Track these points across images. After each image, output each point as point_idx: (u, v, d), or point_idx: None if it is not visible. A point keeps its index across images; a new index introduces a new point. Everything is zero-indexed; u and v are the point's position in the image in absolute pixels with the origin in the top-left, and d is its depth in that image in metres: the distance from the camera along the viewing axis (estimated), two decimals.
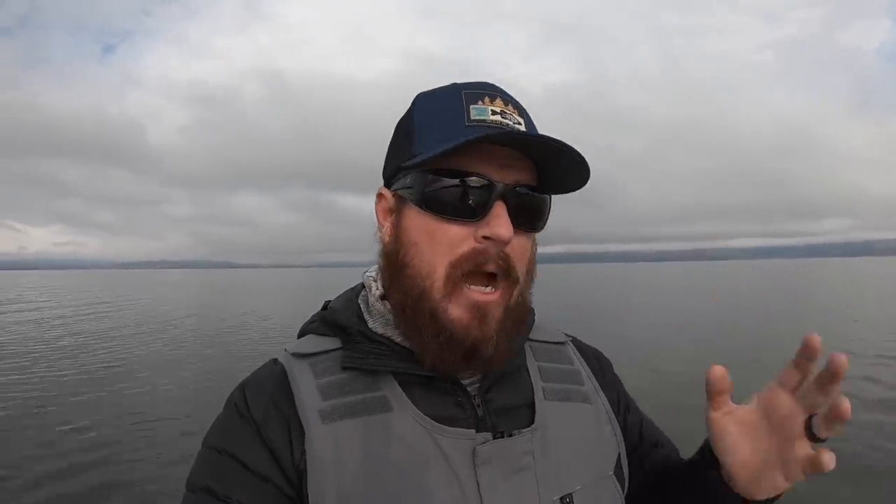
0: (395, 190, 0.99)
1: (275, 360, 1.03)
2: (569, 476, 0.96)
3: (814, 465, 0.80)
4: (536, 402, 1.02)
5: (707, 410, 0.91)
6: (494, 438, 0.93)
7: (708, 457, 0.96)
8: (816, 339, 0.79)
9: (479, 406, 0.97)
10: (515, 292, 0.96)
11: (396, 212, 0.99)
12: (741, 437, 0.89)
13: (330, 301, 1.12)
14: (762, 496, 0.91)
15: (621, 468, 1.05)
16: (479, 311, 0.91)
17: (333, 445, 0.88)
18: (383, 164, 1.05)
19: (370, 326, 1.00)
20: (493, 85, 0.99)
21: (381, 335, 0.99)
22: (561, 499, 0.94)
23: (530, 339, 1.12)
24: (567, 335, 1.22)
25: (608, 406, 1.11)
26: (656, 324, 23.37)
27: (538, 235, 1.02)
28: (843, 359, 0.76)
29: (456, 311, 0.91)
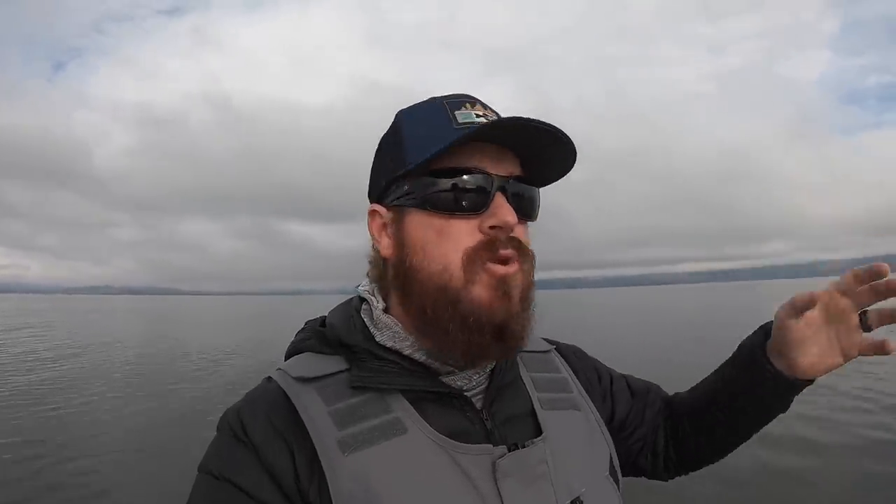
0: (390, 202, 1.01)
1: (269, 379, 1.00)
2: (575, 480, 0.99)
3: (877, 348, 1.03)
4: (537, 411, 1.05)
5: (780, 311, 1.07)
6: (510, 451, 0.94)
7: (754, 355, 1.13)
8: (884, 268, 0.99)
9: (487, 420, 0.98)
10: (528, 277, 0.98)
11: (396, 223, 1.01)
12: (805, 333, 1.06)
13: (324, 317, 1.11)
14: (818, 374, 1.09)
15: (614, 468, 1.10)
16: (502, 286, 0.92)
17: (359, 477, 0.85)
18: (369, 183, 1.09)
19: (378, 341, 0.99)
20: (469, 95, 1.04)
21: (389, 349, 0.98)
22: (571, 502, 0.97)
23: (521, 350, 1.08)
24: (548, 341, 1.27)
25: (595, 411, 1.16)
26: (605, 344, 23.74)
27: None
28: (885, 266, 0.97)
29: (479, 291, 0.92)
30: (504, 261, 0.93)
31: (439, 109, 1.00)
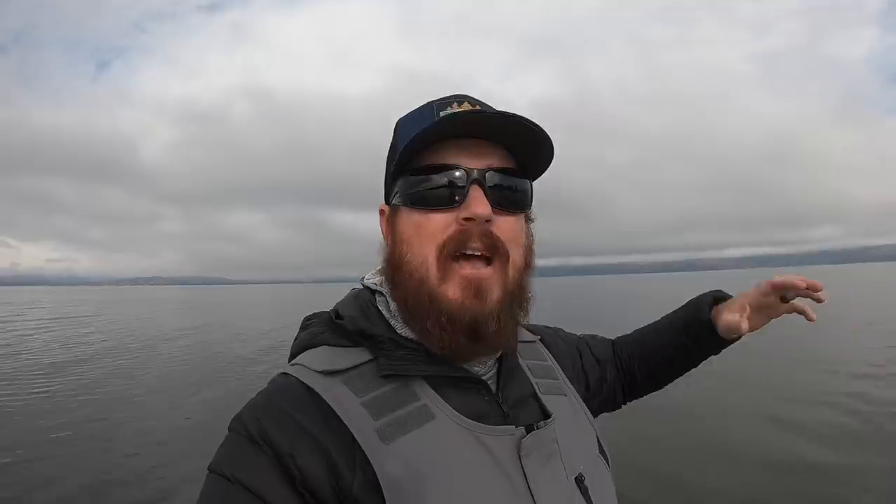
0: (390, 201, 1.09)
1: (285, 375, 1.01)
2: (576, 458, 1.06)
3: (795, 308, 1.35)
4: (539, 395, 1.13)
5: (742, 296, 1.41)
6: (528, 431, 1.01)
7: (700, 308, 1.46)
8: (808, 285, 1.30)
9: (502, 402, 1.05)
10: (512, 273, 1.02)
11: (392, 220, 1.07)
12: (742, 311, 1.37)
13: (331, 312, 1.12)
14: (752, 329, 1.38)
15: (602, 447, 1.18)
16: (472, 286, 0.97)
17: (403, 464, 0.89)
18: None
19: (399, 332, 1.04)
20: (464, 94, 1.09)
21: (409, 339, 1.03)
22: (576, 479, 1.04)
23: (506, 348, 1.14)
24: (531, 331, 1.34)
25: (578, 397, 1.25)
26: None
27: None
28: (801, 282, 1.30)
29: (451, 290, 0.97)
30: (472, 256, 0.98)
31: (427, 111, 1.06)
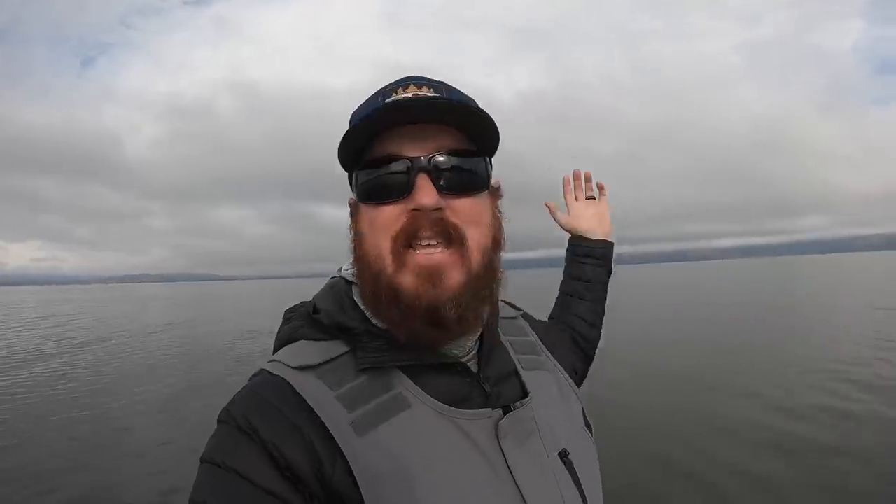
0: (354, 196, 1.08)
1: (269, 373, 1.01)
2: (559, 434, 1.08)
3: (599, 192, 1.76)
4: (520, 372, 1.14)
5: (558, 215, 1.74)
6: (505, 413, 1.02)
7: (582, 250, 1.67)
8: (577, 173, 1.77)
9: (484, 382, 1.05)
10: (475, 255, 0.99)
11: (355, 214, 1.07)
12: (582, 215, 1.72)
13: (307, 304, 1.15)
14: (609, 228, 1.71)
15: (586, 419, 1.21)
16: (428, 273, 0.95)
17: (378, 455, 0.90)
18: None
19: (374, 323, 1.03)
20: (414, 76, 1.06)
21: (384, 331, 1.02)
22: (559, 454, 1.05)
23: (465, 329, 1.10)
24: (513, 307, 1.36)
25: (562, 370, 1.25)
26: (646, 323, 23.68)
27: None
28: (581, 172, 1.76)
29: (406, 279, 0.96)
30: (426, 243, 0.96)
31: (374, 99, 1.05)
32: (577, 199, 1.73)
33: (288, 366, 1.00)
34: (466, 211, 1.00)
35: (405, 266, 0.96)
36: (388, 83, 1.07)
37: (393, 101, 0.98)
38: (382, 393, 0.96)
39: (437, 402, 0.97)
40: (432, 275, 0.95)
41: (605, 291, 1.67)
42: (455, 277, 0.96)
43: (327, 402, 0.94)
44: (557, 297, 1.67)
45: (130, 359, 18.77)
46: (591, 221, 1.69)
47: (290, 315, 1.15)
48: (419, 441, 0.92)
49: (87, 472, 8.01)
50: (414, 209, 0.96)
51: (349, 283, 1.10)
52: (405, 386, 0.98)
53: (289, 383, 0.97)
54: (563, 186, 1.75)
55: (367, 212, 1.01)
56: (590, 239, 1.67)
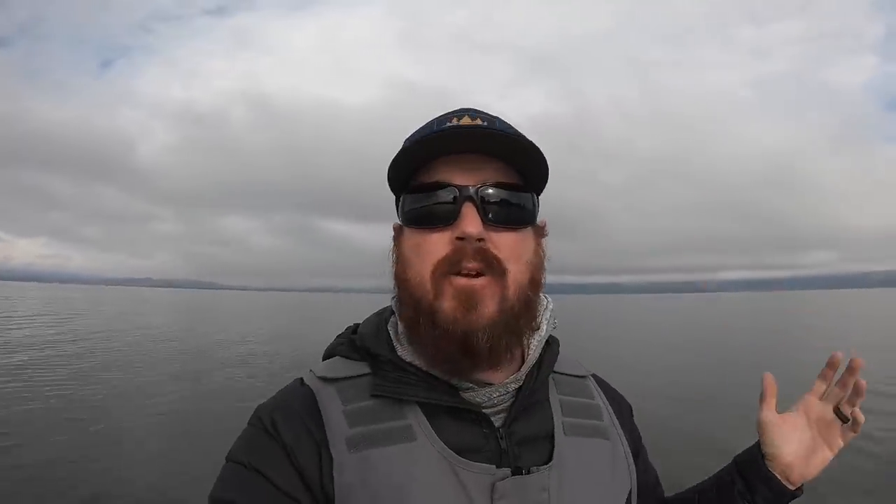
0: (399, 220, 1.09)
1: (301, 381, 1.07)
2: None
3: (851, 426, 1.15)
4: (556, 436, 1.06)
5: (759, 413, 1.20)
6: (513, 475, 0.97)
7: (752, 462, 1.20)
8: (838, 356, 1.18)
9: (502, 438, 1.01)
10: (511, 288, 0.99)
11: (397, 240, 1.09)
12: (789, 432, 1.18)
13: (358, 324, 1.17)
14: (813, 473, 1.17)
15: (632, 501, 1.12)
16: (465, 298, 0.96)
17: (360, 474, 0.92)
18: None
19: (399, 354, 1.05)
20: (470, 108, 1.07)
21: (409, 363, 1.03)
22: None
23: (554, 372, 1.16)
24: (586, 369, 1.26)
25: (625, 442, 1.16)
26: (653, 352, 23.73)
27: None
28: (860, 360, 1.14)
29: (445, 303, 0.96)
30: (468, 272, 0.97)
31: (428, 127, 1.05)
32: (821, 395, 1.21)
33: (316, 376, 1.06)
34: (509, 245, 1.00)
35: (444, 291, 0.97)
36: (443, 112, 1.07)
37: (447, 128, 0.99)
38: (391, 420, 0.98)
39: (444, 445, 0.96)
40: (469, 300, 0.96)
41: None
42: (490, 307, 0.96)
43: (335, 414, 0.98)
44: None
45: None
46: (801, 450, 1.18)
47: (342, 332, 1.18)
48: (411, 475, 0.93)
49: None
50: (458, 237, 0.97)
51: (394, 312, 1.11)
52: (418, 420, 0.98)
53: (313, 393, 1.02)
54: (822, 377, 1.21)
55: (412, 237, 1.03)
56: (775, 476, 1.17)
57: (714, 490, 1.24)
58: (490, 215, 0.99)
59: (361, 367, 1.06)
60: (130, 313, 51.06)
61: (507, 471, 0.97)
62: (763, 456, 1.18)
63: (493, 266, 0.98)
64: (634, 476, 1.14)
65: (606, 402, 1.21)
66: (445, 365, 1.00)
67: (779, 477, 1.16)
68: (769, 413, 1.19)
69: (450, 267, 0.97)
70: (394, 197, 1.11)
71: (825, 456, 1.18)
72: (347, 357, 1.10)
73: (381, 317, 1.15)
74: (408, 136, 1.09)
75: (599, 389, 1.24)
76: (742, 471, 1.21)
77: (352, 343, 1.11)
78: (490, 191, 1.00)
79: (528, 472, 0.98)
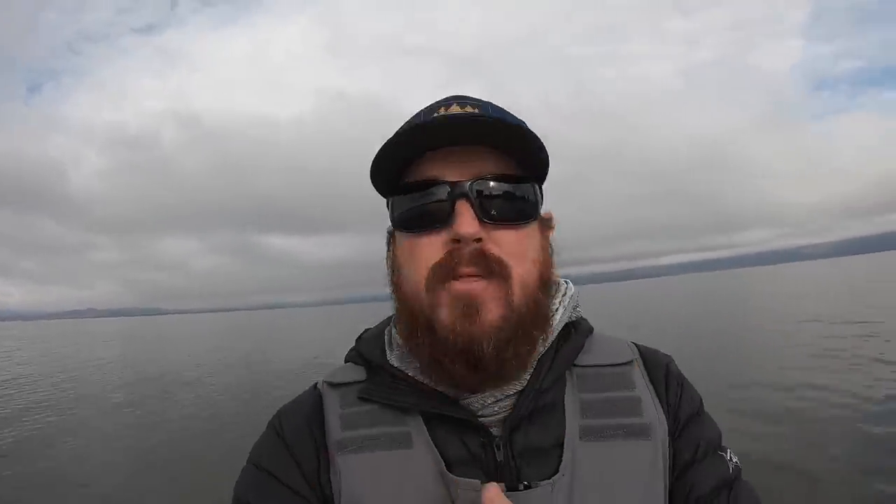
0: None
1: (314, 386, 1.09)
2: None
3: None
4: (567, 444, 0.94)
5: None
6: (509, 489, 0.88)
7: None
8: None
9: (499, 449, 0.93)
10: (517, 291, 0.90)
11: (391, 245, 1.03)
12: None
13: (368, 329, 1.15)
14: None
15: None
16: (464, 305, 0.88)
17: (348, 477, 0.92)
18: None
19: (388, 359, 1.02)
20: (458, 96, 1.00)
21: (397, 369, 1.00)
22: None
23: (576, 365, 1.02)
24: (635, 346, 1.09)
25: (667, 444, 0.98)
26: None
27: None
28: None
29: (443, 313, 0.89)
30: (464, 276, 0.90)
31: (415, 118, 0.98)
32: None
33: (324, 381, 1.07)
34: (511, 243, 0.92)
35: (441, 299, 0.89)
36: (431, 102, 1.00)
37: (433, 119, 0.90)
38: (387, 426, 0.96)
39: (438, 455, 0.92)
40: (469, 307, 0.88)
41: None
42: (494, 312, 0.88)
43: (332, 417, 1.00)
44: None
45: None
46: None
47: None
48: (401, 484, 0.90)
49: None
50: (453, 239, 0.90)
51: None
52: (417, 427, 0.95)
53: (321, 396, 1.05)
54: None
55: (405, 241, 0.96)
56: None
57: None
58: (489, 212, 0.91)
59: (360, 374, 1.05)
60: (78, 346, 49.26)
61: (500, 486, 0.85)
62: None
63: (493, 268, 0.89)
64: (666, 483, 0.96)
65: (653, 392, 1.02)
66: (450, 382, 0.93)
67: None
68: None
69: (446, 272, 0.89)
70: (381, 199, 1.03)
71: None
72: (354, 363, 1.09)
73: (386, 322, 1.12)
74: (397, 129, 0.98)
75: (647, 377, 1.04)
76: None
77: (355, 350, 1.11)
78: (487, 184, 0.92)
79: (529, 487, 0.89)
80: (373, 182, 0.98)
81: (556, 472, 0.90)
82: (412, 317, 0.93)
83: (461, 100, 0.97)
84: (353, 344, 1.13)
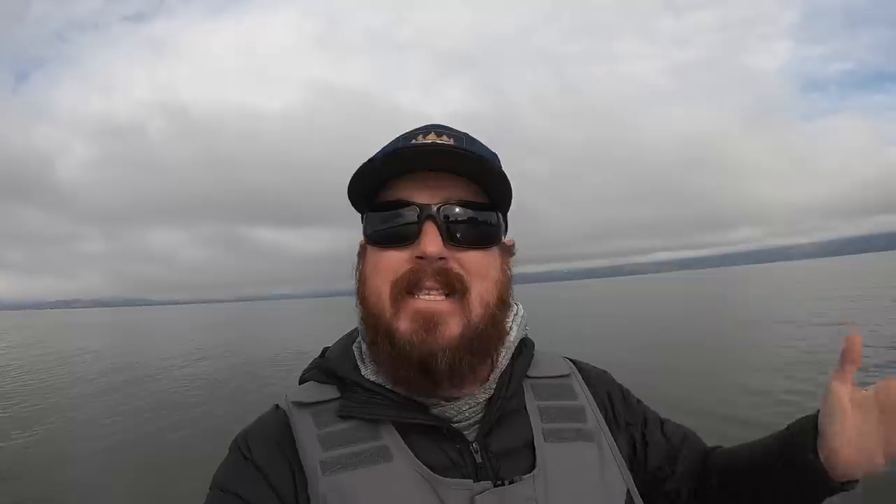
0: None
1: (276, 407, 1.08)
2: None
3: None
4: (536, 444, 1.04)
5: (831, 380, 1.01)
6: (495, 486, 0.96)
7: (800, 439, 1.05)
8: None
9: (476, 452, 1.00)
10: (476, 307, 0.98)
11: (360, 257, 1.09)
12: (854, 414, 0.99)
13: (328, 347, 1.18)
14: (858, 474, 1.00)
15: (632, 501, 1.07)
16: (424, 319, 0.96)
17: (337, 497, 0.92)
18: None
19: (363, 374, 1.06)
20: (437, 125, 1.07)
21: (373, 383, 1.04)
22: None
23: (528, 377, 1.13)
24: (570, 361, 1.24)
25: (614, 444, 1.11)
26: (587, 337, 24.03)
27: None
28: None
29: (403, 324, 0.97)
30: (427, 291, 0.98)
31: (393, 143, 1.06)
32: (854, 395, 1.01)
33: (290, 401, 1.06)
34: (473, 263, 1.00)
35: (402, 311, 0.97)
36: (410, 129, 1.08)
37: (411, 146, 0.99)
38: (366, 442, 0.97)
39: (420, 463, 0.96)
40: (428, 321, 0.96)
41: None
42: (452, 328, 0.96)
43: (309, 439, 0.98)
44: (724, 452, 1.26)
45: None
46: (866, 445, 0.99)
47: (315, 357, 1.18)
48: (387, 497, 0.92)
49: None
50: (418, 256, 0.97)
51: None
52: (394, 440, 0.98)
53: (287, 417, 1.04)
54: (843, 357, 1.02)
55: (373, 255, 1.03)
56: (832, 479, 1.02)
57: (767, 475, 1.10)
58: (452, 234, 0.99)
59: (332, 391, 1.06)
60: (63, 336, 49.63)
61: (488, 483, 0.96)
62: (815, 430, 1.04)
63: (455, 285, 0.98)
64: (628, 476, 1.09)
65: (591, 400, 1.16)
66: (405, 384, 1.00)
67: (825, 468, 1.01)
68: (840, 385, 1.01)
69: (409, 286, 0.97)
70: (355, 211, 1.11)
71: (877, 461, 0.98)
72: (319, 381, 1.10)
73: (350, 338, 1.15)
74: (374, 154, 1.05)
75: (584, 385, 1.19)
76: (794, 438, 1.08)
77: (321, 367, 1.12)
78: (454, 210, 1.00)
79: (511, 482, 0.97)
80: (349, 197, 1.06)
81: (532, 468, 1.00)
82: (375, 323, 1.00)
83: (439, 129, 1.05)
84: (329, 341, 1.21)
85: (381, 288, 0.99)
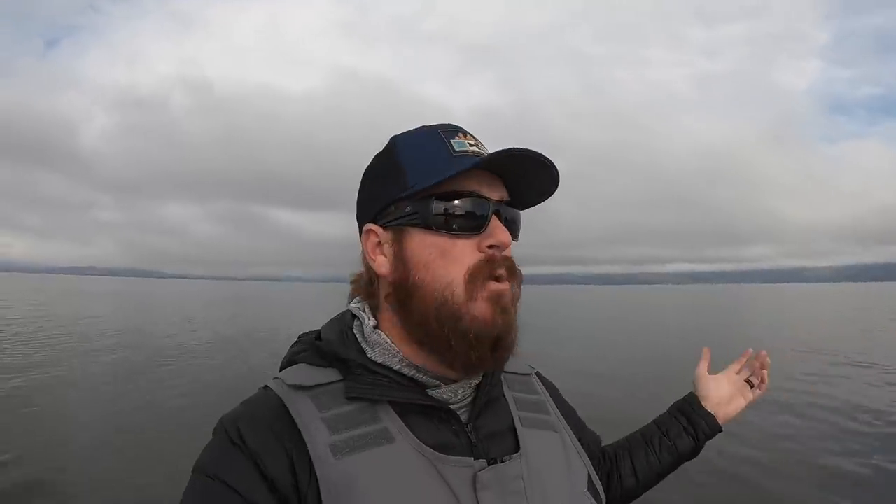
0: (388, 222, 1.07)
1: (266, 388, 1.04)
2: (553, 496, 1.04)
3: (758, 387, 1.67)
4: (517, 428, 1.11)
5: (696, 370, 1.68)
6: (490, 464, 1.00)
7: (689, 399, 1.62)
8: (749, 353, 1.71)
9: (471, 433, 1.04)
10: (518, 290, 1.05)
11: (395, 242, 1.06)
12: (716, 384, 1.64)
13: (317, 331, 1.16)
14: (732, 415, 1.62)
15: (594, 485, 1.15)
16: (499, 302, 1.00)
17: (348, 480, 0.91)
18: (358, 205, 1.15)
19: (369, 356, 1.05)
20: (458, 125, 1.11)
21: (380, 365, 1.04)
22: None
23: (503, 371, 1.20)
24: (531, 367, 1.33)
25: (571, 433, 1.22)
26: (600, 344, 23.73)
27: None
28: (767, 358, 1.67)
29: (480, 308, 0.99)
30: (499, 279, 1.01)
31: (435, 137, 1.08)
32: (737, 371, 1.72)
33: (285, 384, 1.02)
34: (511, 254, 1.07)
35: (479, 295, 0.99)
36: (436, 123, 1.11)
37: (522, 151, 1.01)
38: (368, 424, 0.97)
39: (420, 443, 0.97)
40: (503, 304, 1.00)
41: (673, 468, 1.59)
42: (514, 311, 1.04)
43: (312, 423, 0.96)
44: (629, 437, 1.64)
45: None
46: (724, 397, 1.65)
47: (299, 339, 1.18)
48: (395, 476, 0.93)
49: None
50: (490, 246, 1.02)
51: (354, 316, 1.13)
52: (393, 422, 0.99)
53: (282, 401, 0.99)
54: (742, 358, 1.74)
55: (435, 241, 1.02)
56: (705, 411, 1.60)
57: (658, 430, 1.57)
58: (512, 230, 1.07)
59: (332, 374, 1.04)
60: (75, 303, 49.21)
61: (484, 462, 1.00)
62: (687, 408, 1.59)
63: (515, 274, 1.04)
64: (588, 461, 1.19)
65: (549, 398, 1.28)
66: (470, 368, 1.02)
67: (714, 413, 1.57)
68: (703, 369, 1.67)
69: (485, 273, 1.00)
70: (364, 195, 1.14)
71: (740, 404, 1.63)
72: (313, 364, 1.08)
73: (343, 322, 1.14)
74: (402, 139, 1.11)
75: (542, 386, 1.30)
76: (683, 411, 1.59)
77: (317, 349, 1.10)
78: (509, 209, 1.08)
79: (503, 461, 1.02)
80: (411, 183, 1.04)
81: (515, 450, 1.06)
82: (440, 309, 0.99)
83: (463, 130, 1.10)
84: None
85: (453, 274, 1.00)
